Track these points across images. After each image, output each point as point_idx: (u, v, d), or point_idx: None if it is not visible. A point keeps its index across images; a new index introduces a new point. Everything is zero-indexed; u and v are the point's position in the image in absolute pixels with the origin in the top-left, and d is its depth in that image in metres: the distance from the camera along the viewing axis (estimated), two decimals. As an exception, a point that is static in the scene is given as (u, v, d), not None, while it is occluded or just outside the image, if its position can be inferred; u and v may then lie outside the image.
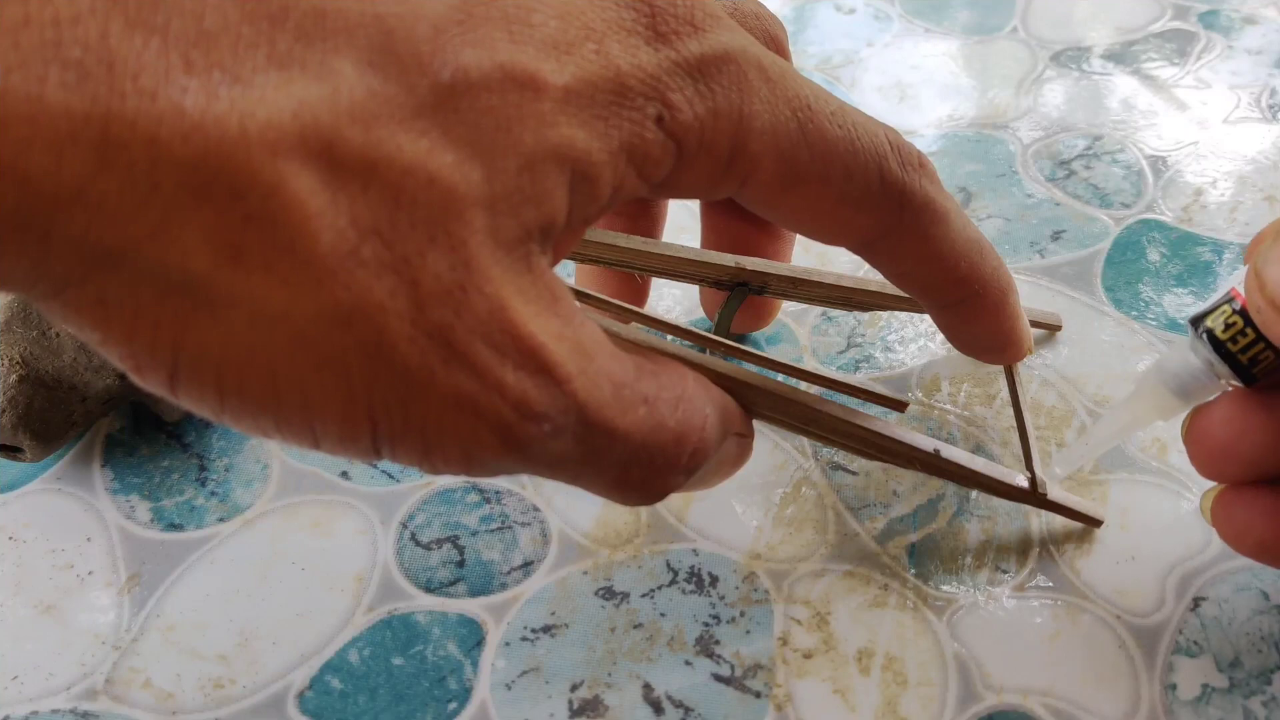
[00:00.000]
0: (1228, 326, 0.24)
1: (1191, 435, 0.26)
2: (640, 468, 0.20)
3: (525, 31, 0.17)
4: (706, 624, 0.28)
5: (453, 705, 0.27)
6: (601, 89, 0.18)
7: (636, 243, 0.30)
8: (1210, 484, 0.26)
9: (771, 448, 0.32)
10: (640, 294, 0.33)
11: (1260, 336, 0.24)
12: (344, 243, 0.16)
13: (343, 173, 0.15)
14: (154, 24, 0.14)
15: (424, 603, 0.29)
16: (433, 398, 0.17)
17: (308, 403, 0.17)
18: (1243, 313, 0.24)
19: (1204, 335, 0.25)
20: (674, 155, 0.19)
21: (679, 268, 0.30)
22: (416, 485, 0.31)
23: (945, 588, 0.29)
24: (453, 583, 0.29)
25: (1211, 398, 0.26)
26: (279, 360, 0.16)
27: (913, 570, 0.29)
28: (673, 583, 0.29)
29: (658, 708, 0.27)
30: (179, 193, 0.14)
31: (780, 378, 0.27)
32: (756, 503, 0.31)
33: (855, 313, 0.36)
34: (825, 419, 0.26)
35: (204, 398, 0.16)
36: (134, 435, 0.33)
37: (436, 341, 0.16)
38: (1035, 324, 0.34)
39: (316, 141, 0.15)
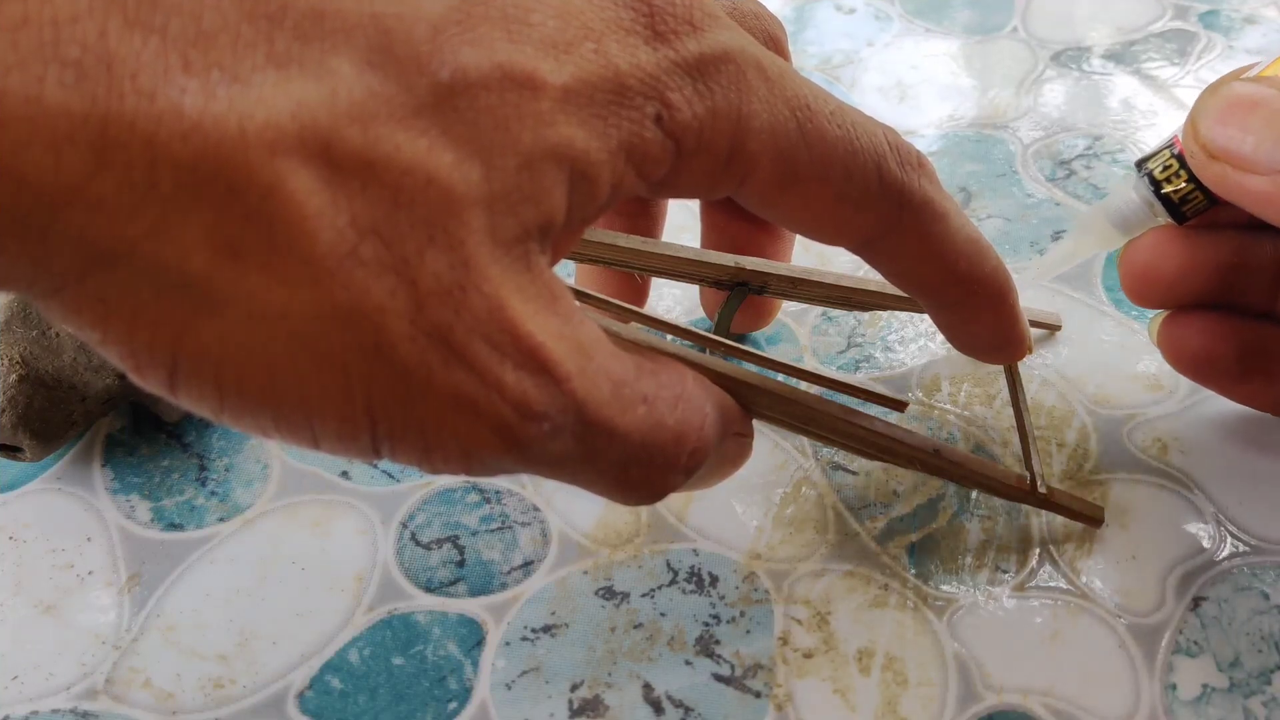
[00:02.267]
0: (1165, 168, 0.28)
1: (1123, 261, 0.30)
2: (640, 467, 0.20)
3: (524, 31, 0.17)
4: (706, 624, 0.28)
5: (453, 705, 0.27)
6: (600, 88, 0.18)
7: (636, 242, 0.30)
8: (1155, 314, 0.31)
9: (771, 447, 0.32)
10: (640, 294, 0.33)
11: (1192, 179, 0.27)
12: (343, 242, 0.16)
13: (341, 172, 0.15)
14: (152, 24, 0.14)
15: (424, 602, 0.29)
16: (432, 397, 0.17)
17: (307, 402, 0.17)
18: (1180, 158, 0.27)
19: (1145, 176, 0.28)
20: (673, 154, 0.19)
21: (679, 267, 0.30)
22: (416, 485, 0.32)
23: (945, 588, 0.29)
24: (453, 582, 0.29)
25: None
26: (278, 359, 0.16)
27: (913, 570, 0.29)
28: (673, 582, 0.29)
29: (658, 707, 0.27)
30: (177, 192, 0.14)
31: (780, 377, 0.27)
32: (756, 503, 0.31)
33: (855, 313, 0.36)
34: (825, 418, 0.26)
35: (203, 397, 0.16)
36: (134, 435, 0.33)
37: (436, 341, 0.16)
38: (1035, 324, 0.34)
39: (315, 141, 0.15)
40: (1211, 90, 0.26)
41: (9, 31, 0.13)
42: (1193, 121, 0.26)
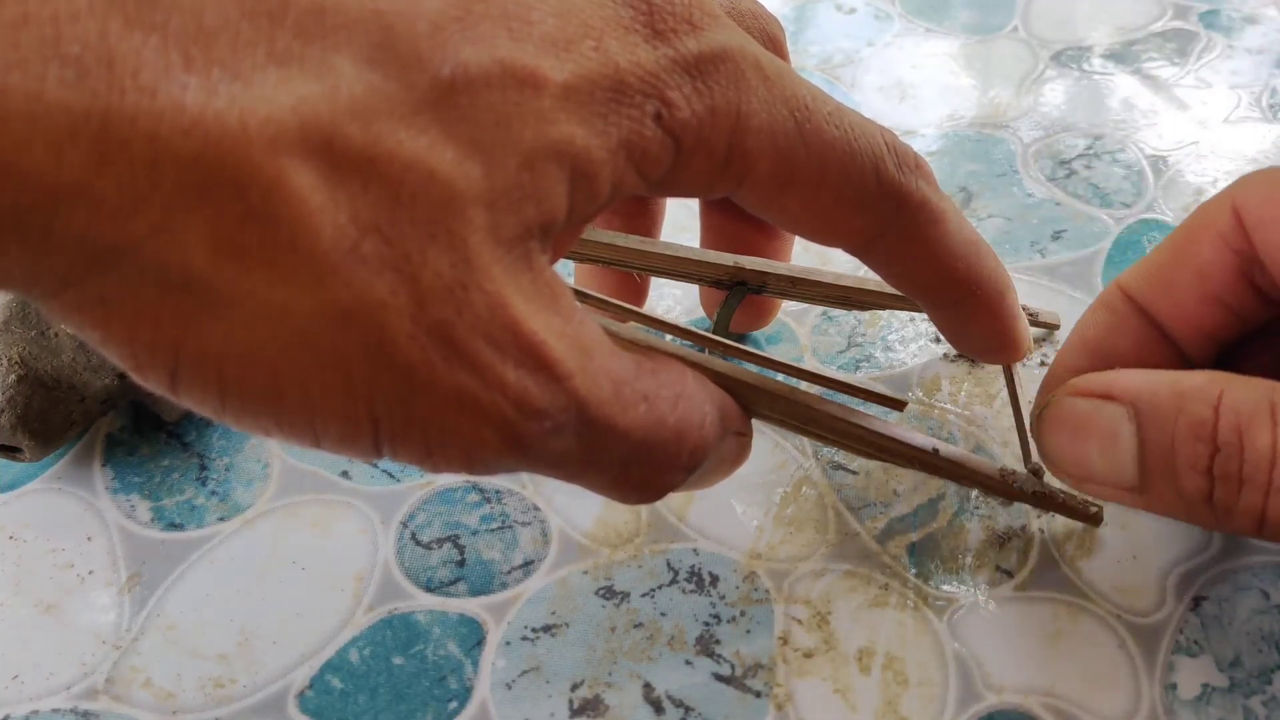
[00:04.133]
0: None
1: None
2: (640, 465, 0.20)
3: (524, 29, 0.17)
4: (707, 623, 0.28)
5: (453, 704, 0.27)
6: (601, 86, 0.18)
7: (635, 242, 0.30)
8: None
9: (772, 447, 0.32)
10: (639, 293, 0.33)
11: None
12: (344, 239, 0.16)
13: (343, 169, 0.15)
14: (153, 22, 0.14)
15: (424, 602, 0.29)
16: (434, 396, 0.17)
17: (309, 401, 0.17)
18: None
19: None
20: (672, 153, 0.19)
21: (678, 267, 0.30)
22: (417, 485, 0.32)
23: (945, 587, 0.29)
24: (453, 582, 0.29)
25: None
26: (280, 358, 0.16)
27: (913, 570, 0.29)
28: (673, 582, 0.29)
29: (658, 707, 0.27)
30: (179, 190, 0.14)
31: (780, 377, 0.27)
32: (757, 502, 0.31)
33: (856, 312, 0.36)
34: (824, 418, 0.26)
35: (205, 397, 0.16)
36: (134, 435, 0.33)
37: (437, 339, 0.16)
38: (1034, 323, 0.34)
39: (317, 138, 0.15)
40: (1042, 420, 0.26)
41: (10, 30, 0.13)
42: (1046, 459, 0.26)
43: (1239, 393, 0.22)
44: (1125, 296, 0.27)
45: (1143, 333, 0.27)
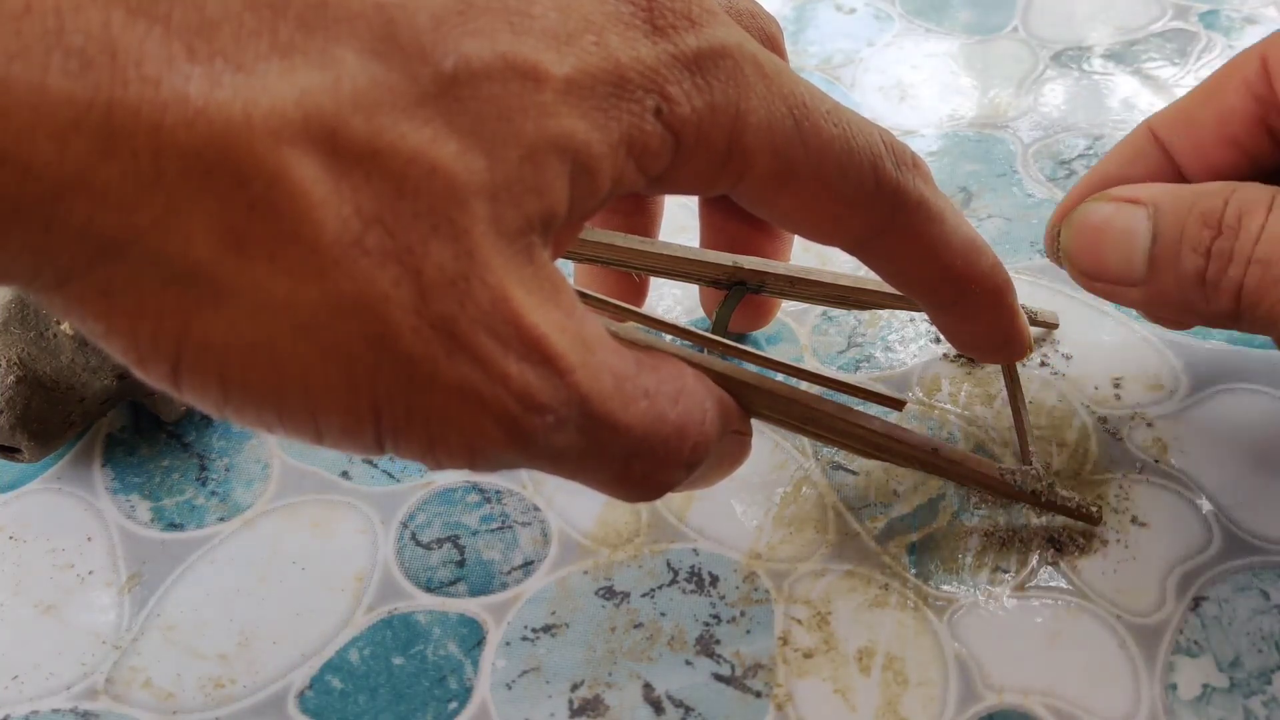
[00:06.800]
0: None
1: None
2: (642, 462, 0.20)
3: (526, 22, 0.17)
4: (707, 624, 0.28)
5: (453, 705, 0.27)
6: (601, 81, 0.18)
7: (634, 242, 0.30)
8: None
9: (772, 447, 0.32)
10: (639, 293, 0.33)
11: None
12: (348, 232, 0.16)
13: (346, 161, 0.15)
14: (156, 12, 0.14)
15: (424, 602, 0.29)
16: (436, 389, 0.17)
17: (311, 395, 0.16)
18: None
19: None
20: (672, 148, 0.19)
21: (677, 267, 0.30)
22: (417, 485, 0.31)
23: (945, 587, 0.29)
24: (453, 582, 0.29)
25: None
26: (282, 352, 0.16)
27: (913, 570, 0.29)
28: (673, 582, 0.29)
29: (658, 707, 0.27)
30: (182, 181, 0.14)
31: (780, 377, 0.27)
32: (757, 502, 0.31)
33: (856, 312, 0.36)
34: (823, 418, 0.26)
35: (207, 391, 0.16)
36: (134, 435, 0.33)
37: (440, 332, 0.16)
38: (1033, 322, 0.34)
39: (320, 129, 0.15)
40: (1069, 222, 0.28)
41: (12, 20, 0.13)
42: (1065, 255, 0.29)
43: (1247, 191, 0.26)
44: (1150, 134, 0.30)
45: (1159, 168, 0.29)
